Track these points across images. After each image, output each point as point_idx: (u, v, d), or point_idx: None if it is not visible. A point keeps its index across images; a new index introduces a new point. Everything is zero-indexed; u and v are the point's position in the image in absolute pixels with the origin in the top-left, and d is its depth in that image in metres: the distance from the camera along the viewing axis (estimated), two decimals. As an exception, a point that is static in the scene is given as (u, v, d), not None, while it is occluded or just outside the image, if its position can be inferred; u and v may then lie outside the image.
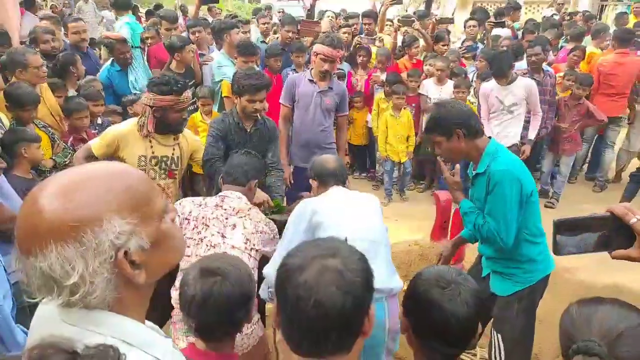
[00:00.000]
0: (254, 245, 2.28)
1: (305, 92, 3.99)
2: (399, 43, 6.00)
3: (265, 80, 3.21)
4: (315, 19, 6.40)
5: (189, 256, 2.22)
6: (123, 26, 4.75)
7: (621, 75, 5.56)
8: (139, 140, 2.84)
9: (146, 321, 0.93)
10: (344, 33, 5.97)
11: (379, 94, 5.56)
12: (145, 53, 5.22)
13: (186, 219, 2.29)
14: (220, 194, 2.44)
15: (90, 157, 2.83)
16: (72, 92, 4.20)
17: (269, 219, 2.77)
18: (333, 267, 0.96)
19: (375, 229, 2.27)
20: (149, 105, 2.77)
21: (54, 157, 3.52)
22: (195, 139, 3.31)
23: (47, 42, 4.47)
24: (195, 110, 4.72)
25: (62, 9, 8.67)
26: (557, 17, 8.87)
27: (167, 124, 2.83)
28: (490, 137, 2.40)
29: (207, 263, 1.49)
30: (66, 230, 0.77)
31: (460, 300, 1.24)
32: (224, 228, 2.27)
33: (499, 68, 4.30)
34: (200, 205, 2.33)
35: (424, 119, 5.60)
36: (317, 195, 2.46)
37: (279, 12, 10.40)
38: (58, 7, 9.04)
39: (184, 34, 5.36)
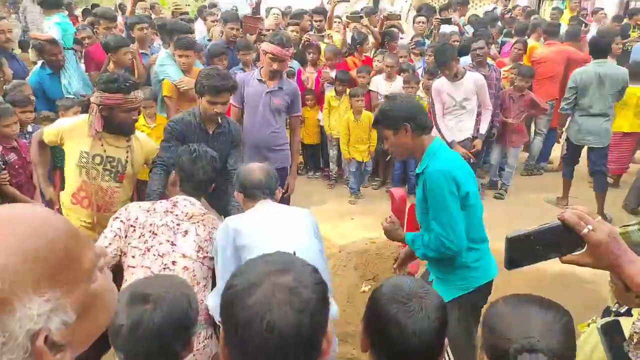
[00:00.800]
0: (207, 253, 2.13)
1: (253, 92, 3.84)
2: (348, 40, 5.96)
3: (229, 82, 3.03)
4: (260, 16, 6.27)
5: (134, 267, 2.05)
6: (53, 26, 4.40)
7: (549, 63, 5.85)
8: (87, 136, 2.73)
9: None
10: (292, 31, 5.85)
11: (330, 92, 5.49)
12: (82, 54, 4.90)
13: (132, 226, 2.10)
14: (171, 198, 2.28)
15: (42, 143, 2.88)
16: (-5, 98, 3.86)
17: None
18: (285, 284, 0.86)
19: (306, 248, 1.96)
20: (96, 104, 2.66)
21: None
22: (150, 143, 3.12)
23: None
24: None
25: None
26: (497, 12, 9.13)
27: (114, 124, 2.70)
28: (436, 137, 2.36)
29: (138, 288, 1.32)
30: None
31: (422, 315, 1.15)
32: (174, 235, 2.11)
33: (441, 59, 4.32)
34: (148, 211, 2.15)
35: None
36: (245, 210, 2.28)
37: (233, 9, 10.07)
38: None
39: (124, 34, 5.09)
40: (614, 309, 1.97)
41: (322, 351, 0.91)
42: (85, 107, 4.37)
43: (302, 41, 5.70)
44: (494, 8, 9.68)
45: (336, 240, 4.49)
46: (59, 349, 0.66)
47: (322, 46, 5.79)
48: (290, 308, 0.84)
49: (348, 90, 5.43)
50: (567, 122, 5.34)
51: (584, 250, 1.08)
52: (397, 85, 5.34)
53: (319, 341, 0.89)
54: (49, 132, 2.84)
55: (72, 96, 4.43)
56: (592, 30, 8.43)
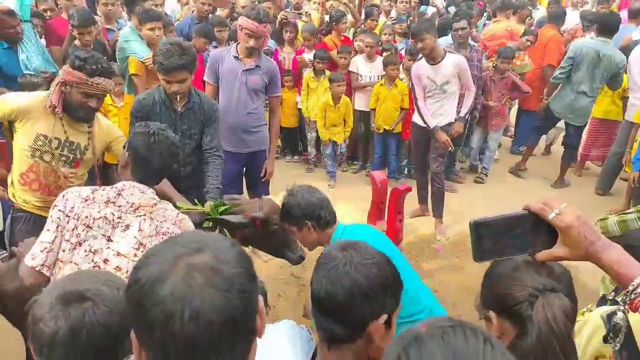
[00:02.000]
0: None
1: (229, 69, 3.61)
2: (326, 19, 5.75)
3: (182, 59, 2.72)
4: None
5: (62, 262, 1.81)
6: (9, -4, 4.06)
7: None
8: (47, 117, 2.52)
9: None
10: (268, 8, 5.60)
11: (308, 73, 5.30)
12: (42, 28, 4.56)
13: (67, 215, 1.84)
14: (117, 185, 1.97)
15: None
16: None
17: (220, 219, 2.48)
18: (203, 264, 0.72)
19: None
20: (60, 78, 2.47)
21: None
22: (113, 128, 2.89)
23: None
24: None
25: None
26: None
27: (69, 104, 2.49)
28: (339, 223, 2.26)
29: (68, 286, 1.10)
30: None
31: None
32: (112, 230, 1.86)
33: (415, 30, 4.16)
34: (86, 200, 1.87)
35: (355, 97, 5.44)
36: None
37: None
38: None
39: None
40: (610, 297, 1.90)
41: (257, 331, 0.79)
42: (48, 85, 4.08)
43: (279, 19, 5.46)
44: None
45: (316, 225, 4.35)
46: None
47: (300, 25, 5.57)
48: (214, 290, 0.70)
49: (327, 72, 5.25)
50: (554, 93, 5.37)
51: (558, 242, 1.02)
52: (377, 65, 5.19)
53: (253, 321, 0.77)
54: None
55: (32, 72, 4.11)
56: (571, 16, 8.46)
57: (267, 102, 3.93)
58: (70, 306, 1.04)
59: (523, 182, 5.75)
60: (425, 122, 4.29)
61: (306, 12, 5.98)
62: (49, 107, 2.48)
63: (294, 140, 6.02)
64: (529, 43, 5.66)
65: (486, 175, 5.70)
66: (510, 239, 1.05)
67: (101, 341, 1.01)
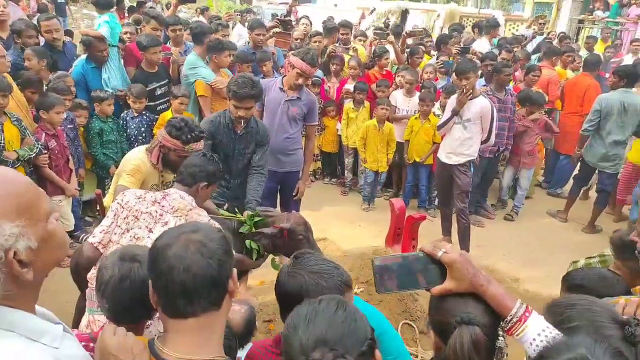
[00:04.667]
0: None
1: (273, 98, 4.09)
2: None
3: (253, 91, 3.27)
4: (290, 19, 6.61)
5: (113, 243, 2.23)
6: (103, 24, 4.81)
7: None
8: (154, 172, 3.05)
9: (39, 307, 1.04)
10: (315, 41, 6.13)
11: (348, 104, 5.73)
12: (123, 50, 5.29)
13: (122, 207, 2.29)
14: (165, 190, 2.47)
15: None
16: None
17: (256, 232, 2.78)
18: (196, 239, 1.13)
19: None
20: (159, 140, 2.95)
21: (17, 151, 3.61)
22: None
23: (31, 37, 4.55)
24: (168, 108, 4.84)
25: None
26: (529, 36, 9.20)
27: (167, 162, 2.97)
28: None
29: (128, 249, 1.57)
30: None
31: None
32: (154, 224, 2.27)
33: (460, 68, 4.47)
34: (139, 198, 2.33)
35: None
36: None
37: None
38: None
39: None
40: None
41: (228, 289, 1.16)
42: (117, 101, 4.77)
43: (328, 52, 5.96)
44: (522, 35, 9.73)
45: (341, 244, 4.72)
46: (25, 265, 0.93)
47: (347, 58, 6.04)
48: (201, 256, 1.11)
49: (366, 103, 5.66)
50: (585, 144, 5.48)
51: (447, 277, 1.20)
52: (415, 100, 5.54)
53: (225, 281, 1.15)
54: (131, 182, 2.92)
55: (111, 90, 4.81)
56: (627, 60, 8.42)
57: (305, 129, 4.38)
58: (124, 262, 1.51)
59: (553, 224, 5.83)
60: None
61: (353, 47, 6.44)
62: (154, 164, 2.98)
63: (333, 164, 6.45)
64: (535, 78, 5.90)
65: (517, 214, 5.84)
66: (407, 276, 1.23)
67: (139, 291, 1.42)
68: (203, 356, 1.09)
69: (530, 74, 5.97)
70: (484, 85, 5.42)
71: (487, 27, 7.89)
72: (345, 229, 5.26)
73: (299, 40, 6.52)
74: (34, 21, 5.10)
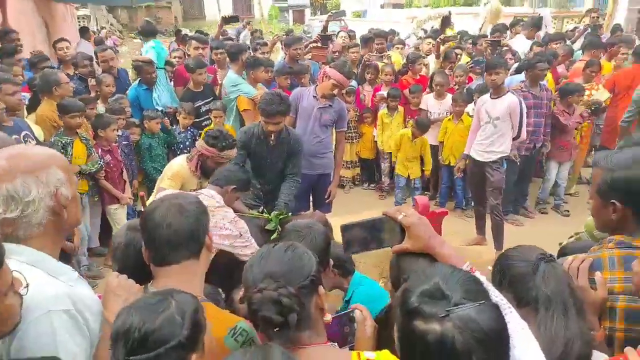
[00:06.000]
0: None
1: (307, 106, 4.35)
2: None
3: (280, 107, 3.52)
4: (331, 35, 6.91)
5: None
6: (149, 50, 5.36)
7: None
8: (192, 178, 3.40)
9: (60, 262, 1.34)
10: (353, 52, 6.37)
11: (383, 110, 5.90)
12: (172, 73, 5.81)
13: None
14: (198, 190, 2.81)
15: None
16: (101, 108, 4.82)
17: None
18: (176, 203, 1.43)
19: None
20: (198, 150, 3.33)
21: (80, 165, 4.06)
22: None
23: (85, 66, 5.17)
24: (211, 123, 5.25)
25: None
26: (577, 31, 8.91)
27: (205, 169, 3.34)
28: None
29: (134, 221, 1.85)
30: (30, 169, 1.24)
31: None
32: None
33: (490, 63, 4.50)
34: None
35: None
36: None
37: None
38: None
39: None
40: None
41: (205, 244, 1.43)
42: (167, 116, 5.25)
43: (362, 61, 6.18)
44: (575, 27, 9.43)
45: (373, 244, 4.85)
46: (63, 206, 1.28)
47: (381, 65, 6.22)
48: (180, 215, 1.40)
49: (400, 108, 5.81)
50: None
51: (405, 238, 1.34)
52: (446, 103, 5.62)
53: (202, 236, 1.43)
54: (171, 186, 3.26)
55: (161, 107, 5.32)
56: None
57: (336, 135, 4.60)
58: (130, 231, 1.79)
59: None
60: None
61: (387, 55, 6.62)
62: (193, 171, 3.35)
63: (371, 169, 6.61)
64: (593, 74, 5.70)
65: (558, 208, 5.72)
66: (372, 237, 1.36)
67: (141, 257, 1.63)
68: None
69: (587, 70, 5.83)
70: (521, 82, 5.40)
71: (526, 25, 7.77)
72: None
73: (336, 53, 6.80)
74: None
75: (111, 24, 23.68)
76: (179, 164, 3.40)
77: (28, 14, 8.49)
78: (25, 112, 4.16)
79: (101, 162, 4.26)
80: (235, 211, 3.03)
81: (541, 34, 8.22)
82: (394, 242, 1.37)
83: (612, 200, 1.56)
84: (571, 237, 2.47)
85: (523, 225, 5.53)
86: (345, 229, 1.38)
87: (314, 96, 4.32)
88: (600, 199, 1.60)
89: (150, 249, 1.41)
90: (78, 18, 18.84)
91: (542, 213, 5.75)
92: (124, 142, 4.83)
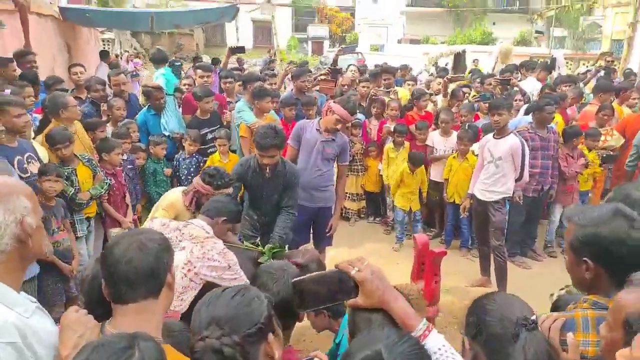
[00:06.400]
0: (194, 268, 2.49)
1: (310, 138, 4.35)
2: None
3: (274, 141, 3.50)
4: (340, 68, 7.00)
5: None
6: (159, 76, 5.48)
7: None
8: (186, 212, 3.39)
9: (22, 292, 1.33)
10: (363, 86, 6.43)
11: (389, 144, 5.90)
12: (181, 99, 5.91)
13: None
14: (188, 220, 2.78)
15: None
16: (109, 130, 4.90)
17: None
18: (137, 239, 1.40)
19: None
20: (194, 186, 3.34)
21: (90, 191, 4.04)
22: None
23: (97, 91, 5.29)
24: (215, 151, 5.29)
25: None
26: (589, 74, 8.90)
27: (199, 205, 3.29)
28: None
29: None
30: None
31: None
32: (173, 248, 2.57)
33: (494, 103, 4.51)
34: (163, 225, 2.63)
35: (431, 168, 5.86)
36: None
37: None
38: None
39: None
40: None
41: (166, 282, 1.39)
42: (174, 143, 5.32)
43: (369, 95, 6.22)
44: (587, 70, 9.43)
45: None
46: (28, 236, 1.30)
47: (387, 100, 6.26)
48: (140, 252, 1.36)
49: (406, 144, 5.80)
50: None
51: (359, 293, 1.26)
52: (452, 139, 5.60)
53: (162, 274, 1.38)
54: (164, 217, 3.17)
55: (168, 133, 5.39)
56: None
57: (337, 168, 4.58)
58: (97, 264, 1.69)
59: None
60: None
61: (394, 91, 6.66)
62: (188, 206, 3.34)
63: (376, 203, 6.56)
64: (605, 117, 5.65)
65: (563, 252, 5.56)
66: (325, 292, 1.29)
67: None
68: None
69: (600, 113, 5.78)
70: (529, 123, 5.37)
71: (539, 67, 7.79)
72: (385, 266, 5.23)
73: (345, 87, 6.87)
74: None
75: (134, 48, 24.41)
76: (174, 197, 3.40)
77: (50, 37, 8.77)
78: (32, 134, 4.23)
79: (108, 181, 4.24)
80: (228, 243, 3.01)
81: (555, 75, 8.24)
82: (348, 297, 1.30)
83: (584, 258, 1.50)
84: (562, 288, 2.38)
85: (530, 268, 5.40)
86: (295, 285, 1.32)
87: (317, 129, 4.33)
88: (574, 255, 1.54)
89: (109, 286, 1.39)
90: (103, 41, 19.50)
91: (550, 256, 5.61)
92: (128, 166, 4.87)
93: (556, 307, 1.95)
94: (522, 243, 5.61)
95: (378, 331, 1.11)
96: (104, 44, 19.34)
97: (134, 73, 11.96)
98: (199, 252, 2.58)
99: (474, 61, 14.49)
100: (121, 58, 15.25)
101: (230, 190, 3.33)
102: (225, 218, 2.85)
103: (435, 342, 1.23)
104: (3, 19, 6.19)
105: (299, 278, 1.33)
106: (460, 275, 5.23)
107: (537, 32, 29.86)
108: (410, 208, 5.66)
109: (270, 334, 1.22)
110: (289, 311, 1.72)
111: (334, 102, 4.38)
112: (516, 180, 4.54)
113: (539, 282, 5.05)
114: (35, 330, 1.25)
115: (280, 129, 3.71)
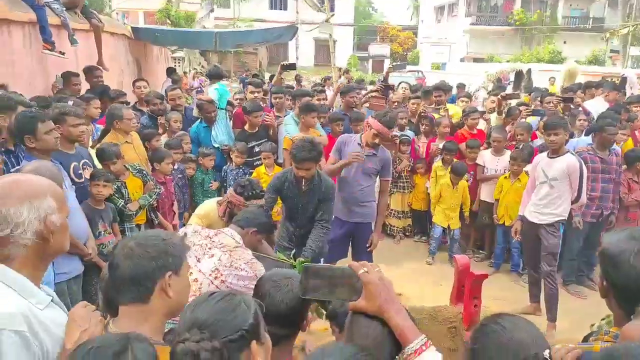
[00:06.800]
0: (221, 276, 2.48)
1: (351, 152, 4.36)
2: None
3: (310, 154, 3.52)
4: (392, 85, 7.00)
5: None
6: (213, 91, 5.69)
7: None
8: (220, 222, 3.47)
9: (44, 286, 1.41)
10: (413, 104, 6.35)
11: (437, 162, 5.76)
12: (232, 113, 6.11)
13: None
14: (221, 229, 2.82)
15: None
16: (163, 139, 5.15)
17: None
18: (128, 246, 1.41)
19: None
20: (227, 196, 3.44)
21: (139, 201, 4.17)
22: None
23: (155, 104, 5.59)
24: (262, 163, 5.40)
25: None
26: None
27: (232, 216, 3.36)
28: None
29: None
30: (25, 196, 1.35)
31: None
32: (202, 255, 2.58)
33: (548, 122, 4.29)
34: (195, 232, 2.70)
35: (482, 188, 5.65)
36: None
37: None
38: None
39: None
40: None
41: (156, 288, 1.37)
42: (223, 154, 5.49)
43: (419, 113, 6.13)
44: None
45: (413, 302, 4.62)
46: (52, 233, 1.37)
47: (437, 117, 6.13)
48: (126, 258, 1.39)
49: (455, 160, 5.64)
50: None
51: (362, 295, 1.24)
52: (504, 159, 5.37)
53: (146, 281, 1.38)
54: (197, 224, 3.34)
55: (218, 145, 5.59)
56: None
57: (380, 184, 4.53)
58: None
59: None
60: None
61: (445, 108, 6.51)
62: (221, 215, 3.45)
63: (423, 221, 6.39)
64: None
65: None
66: (331, 287, 1.27)
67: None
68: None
69: None
70: (589, 145, 5.06)
71: (606, 86, 7.34)
72: (426, 286, 5.14)
73: (396, 104, 6.82)
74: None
75: (202, 66, 25.64)
76: (210, 206, 3.50)
77: (121, 54, 9.40)
78: (91, 142, 4.52)
79: (157, 190, 4.36)
80: (260, 253, 3.04)
81: (631, 93, 7.72)
82: (350, 298, 1.27)
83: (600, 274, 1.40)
84: (603, 319, 2.18)
85: (586, 298, 5.03)
86: (306, 269, 1.31)
87: (358, 143, 4.32)
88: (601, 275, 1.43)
89: (107, 288, 1.44)
90: (174, 60, 20.66)
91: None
92: (179, 176, 5.08)
93: (586, 339, 1.80)
94: (579, 271, 5.24)
95: (335, 346, 1.08)
96: (175, 63, 20.48)
97: (199, 89, 12.55)
98: (227, 260, 2.61)
99: (550, 79, 13.89)
100: (189, 76, 16.07)
101: (262, 201, 3.36)
102: (255, 229, 2.88)
103: (432, 358, 1.17)
104: (78, 38, 6.71)
105: (311, 264, 1.32)
106: (507, 301, 4.95)
107: (612, 51, 28.29)
108: (449, 226, 5.50)
109: (254, 342, 1.20)
110: (291, 320, 1.71)
111: (371, 117, 4.37)
112: (572, 203, 4.27)
113: (591, 314, 4.65)
114: (43, 321, 1.31)
115: (317, 142, 3.72)
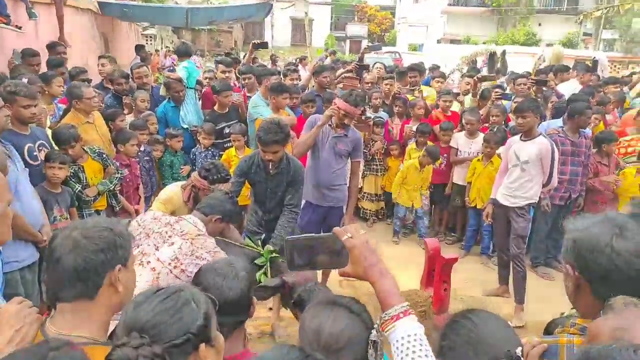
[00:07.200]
0: (181, 265, 2.36)
1: (321, 134, 4.23)
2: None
3: (277, 136, 3.38)
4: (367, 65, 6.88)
5: None
6: (181, 69, 5.48)
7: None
8: (185, 207, 3.33)
9: None
10: (386, 85, 6.25)
11: (411, 144, 5.71)
12: (201, 93, 5.92)
13: (139, 225, 2.53)
14: (181, 216, 2.69)
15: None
16: (129, 119, 4.94)
17: (260, 286, 2.74)
18: (71, 237, 1.28)
19: None
20: (191, 180, 3.29)
21: (98, 186, 3.97)
22: None
23: (120, 84, 5.35)
24: (232, 145, 5.25)
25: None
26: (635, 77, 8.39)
27: (197, 200, 3.21)
28: None
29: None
30: None
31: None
32: (162, 243, 2.45)
33: (517, 106, 4.27)
34: (155, 219, 2.57)
35: (454, 171, 5.64)
36: None
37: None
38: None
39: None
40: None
41: (104, 282, 1.27)
42: (192, 136, 5.32)
43: (392, 94, 6.04)
44: (632, 73, 8.90)
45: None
46: None
47: (411, 98, 6.06)
48: (69, 251, 1.26)
49: (430, 143, 5.59)
50: None
51: (349, 261, 1.21)
52: (478, 141, 5.35)
53: (93, 275, 1.26)
54: (159, 209, 3.17)
55: (186, 125, 5.40)
56: None
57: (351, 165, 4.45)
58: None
59: None
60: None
61: (420, 90, 6.44)
62: (186, 201, 3.30)
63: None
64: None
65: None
66: (318, 256, 1.24)
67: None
68: (74, 335, 1.22)
69: (639, 118, 5.42)
70: (560, 127, 5.07)
71: (579, 68, 7.39)
72: (395, 270, 5.10)
73: (370, 84, 6.71)
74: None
75: (175, 44, 24.92)
76: (173, 191, 3.35)
77: (85, 29, 9.00)
78: (49, 122, 4.29)
79: (118, 175, 4.18)
80: (228, 240, 2.93)
81: (602, 76, 7.79)
82: (339, 264, 1.24)
83: (567, 264, 1.35)
84: (572, 307, 2.16)
85: (553, 279, 5.10)
86: (288, 242, 1.26)
87: (329, 124, 4.22)
88: (564, 263, 1.38)
89: (46, 283, 1.31)
90: (146, 37, 19.98)
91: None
92: (145, 158, 4.90)
93: (548, 331, 1.77)
94: (547, 253, 5.31)
95: (275, 350, 1.01)
96: (146, 40, 19.82)
97: (171, 68, 12.16)
98: (188, 249, 2.49)
99: (539, 58, 13.79)
100: (160, 54, 15.57)
101: (227, 186, 3.23)
102: (219, 217, 2.76)
103: (404, 329, 1.12)
104: (39, 12, 6.36)
105: (293, 236, 1.27)
106: (478, 284, 4.99)
107: (585, 34, 28.64)
108: (413, 205, 5.56)
109: (202, 345, 1.10)
110: (241, 306, 1.64)
111: (337, 97, 4.27)
112: (543, 186, 4.28)
113: (559, 296, 4.74)
114: None
115: (284, 124, 3.59)
